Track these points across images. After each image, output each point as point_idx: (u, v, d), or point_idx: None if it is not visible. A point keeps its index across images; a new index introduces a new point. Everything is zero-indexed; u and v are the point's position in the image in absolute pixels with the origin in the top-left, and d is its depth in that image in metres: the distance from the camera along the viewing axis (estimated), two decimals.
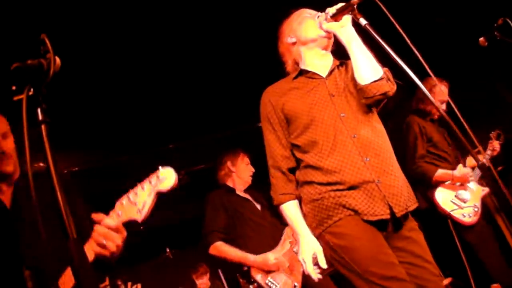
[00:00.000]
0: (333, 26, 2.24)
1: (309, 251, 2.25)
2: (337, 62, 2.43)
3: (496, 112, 4.11)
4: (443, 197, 3.85)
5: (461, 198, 3.81)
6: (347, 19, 2.19)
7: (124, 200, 1.61)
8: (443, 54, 4.09)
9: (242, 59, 4.50)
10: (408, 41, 1.85)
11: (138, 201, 1.58)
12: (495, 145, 3.98)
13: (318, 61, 2.41)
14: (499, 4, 4.04)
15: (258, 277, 3.48)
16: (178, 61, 4.25)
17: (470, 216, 3.73)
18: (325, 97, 2.29)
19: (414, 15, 4.56)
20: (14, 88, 1.17)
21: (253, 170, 4.19)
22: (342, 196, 2.13)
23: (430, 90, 4.02)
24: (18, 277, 1.57)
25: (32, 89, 1.15)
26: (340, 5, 2.19)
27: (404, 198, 2.15)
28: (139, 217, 1.58)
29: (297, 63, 2.48)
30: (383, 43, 1.85)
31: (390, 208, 2.09)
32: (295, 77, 2.43)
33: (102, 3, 3.37)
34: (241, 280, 3.69)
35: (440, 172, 3.84)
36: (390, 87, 2.20)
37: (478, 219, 3.76)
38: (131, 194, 1.61)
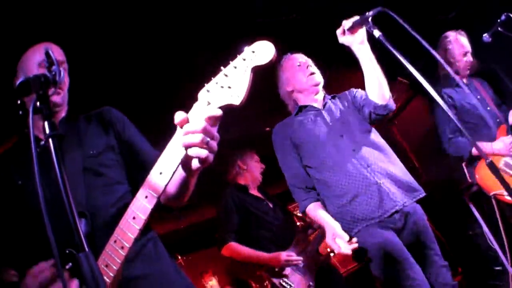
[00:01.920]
0: (350, 41, 2.40)
1: (330, 233, 2.46)
2: (329, 96, 2.88)
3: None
4: (486, 174, 3.30)
5: (506, 172, 3.29)
6: (362, 33, 2.35)
7: (209, 87, 1.34)
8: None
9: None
10: (427, 45, 1.92)
11: (231, 83, 1.32)
12: None
13: (313, 99, 2.85)
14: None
15: (274, 279, 3.47)
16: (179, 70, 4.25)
17: None
18: (325, 124, 2.70)
19: (417, 12, 4.55)
20: (19, 102, 1.17)
21: (264, 166, 4.22)
22: (355, 209, 2.48)
23: (446, 49, 3.75)
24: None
25: (38, 102, 1.15)
26: (355, 18, 2.31)
27: (401, 196, 2.46)
28: (236, 100, 1.30)
29: (296, 104, 2.91)
30: (397, 53, 1.92)
31: (395, 202, 2.43)
32: (296, 114, 2.87)
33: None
34: (253, 285, 3.69)
35: (477, 147, 3.40)
36: (394, 107, 2.56)
37: None
38: (218, 77, 1.34)
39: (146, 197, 1.38)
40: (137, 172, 1.81)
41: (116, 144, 1.85)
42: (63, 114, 1.90)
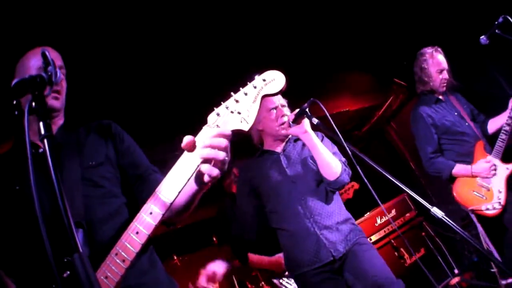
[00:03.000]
0: (296, 131, 2.77)
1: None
2: (293, 138, 3.01)
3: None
4: (464, 191, 3.59)
5: (483, 186, 3.55)
6: (306, 123, 2.72)
7: (220, 110, 1.39)
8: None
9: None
10: (341, 137, 2.45)
11: (241, 109, 1.37)
12: None
13: (277, 144, 3.00)
14: (499, 1, 4.02)
15: (274, 280, 3.49)
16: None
17: (494, 208, 3.46)
18: (281, 169, 2.86)
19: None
20: (15, 102, 1.16)
21: None
22: (296, 255, 2.69)
23: (422, 68, 3.89)
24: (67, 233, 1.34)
25: (33, 103, 1.14)
26: (296, 111, 2.72)
27: (344, 244, 2.65)
28: (246, 126, 1.37)
29: (261, 143, 3.10)
30: (334, 135, 2.50)
31: (331, 252, 2.61)
32: (259, 155, 3.04)
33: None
34: (249, 286, 3.69)
35: (457, 169, 3.61)
36: (349, 177, 2.77)
37: (504, 204, 3.47)
38: (229, 102, 1.39)
39: (151, 213, 1.40)
40: (134, 185, 1.82)
41: (114, 157, 1.84)
42: (61, 121, 1.88)
